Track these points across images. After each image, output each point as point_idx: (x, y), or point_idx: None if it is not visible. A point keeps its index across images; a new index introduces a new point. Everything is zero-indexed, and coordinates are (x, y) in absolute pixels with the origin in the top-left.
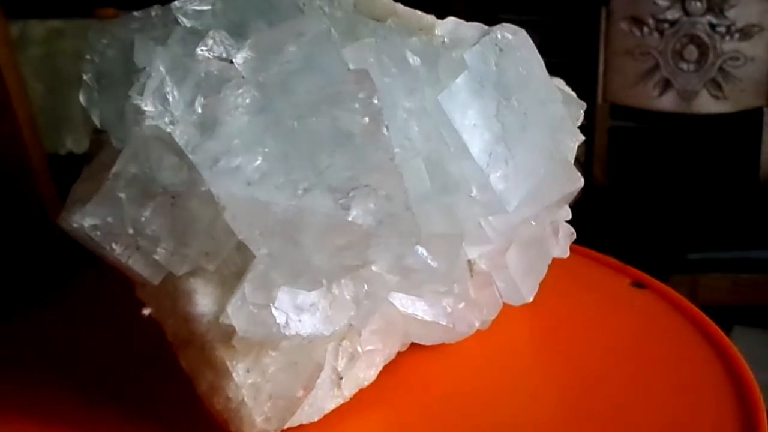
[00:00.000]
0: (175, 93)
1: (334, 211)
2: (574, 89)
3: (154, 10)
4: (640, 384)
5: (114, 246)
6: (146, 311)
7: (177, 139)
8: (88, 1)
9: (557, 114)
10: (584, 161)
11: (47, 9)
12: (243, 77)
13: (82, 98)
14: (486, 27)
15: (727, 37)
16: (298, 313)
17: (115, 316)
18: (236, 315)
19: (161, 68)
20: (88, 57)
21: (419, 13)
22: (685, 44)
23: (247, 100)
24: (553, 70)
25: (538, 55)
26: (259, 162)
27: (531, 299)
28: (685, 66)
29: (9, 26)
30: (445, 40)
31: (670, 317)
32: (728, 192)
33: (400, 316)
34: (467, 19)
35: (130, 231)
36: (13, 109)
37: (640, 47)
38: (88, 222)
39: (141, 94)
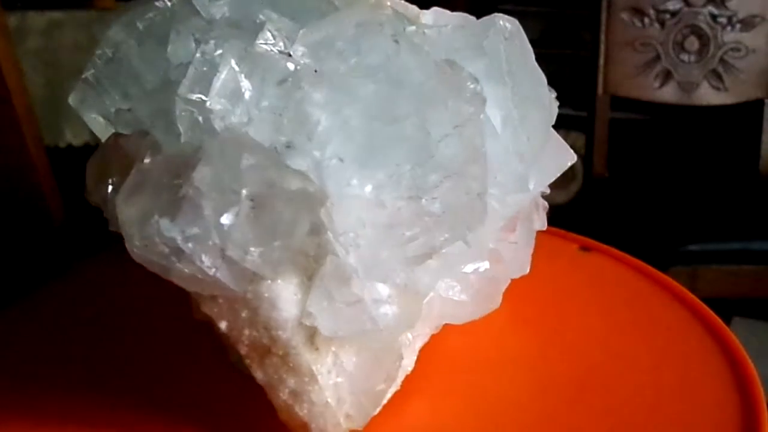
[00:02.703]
0: (250, 89)
1: (419, 202)
2: (574, 80)
3: (165, 1)
4: (639, 374)
5: (203, 258)
6: (222, 326)
7: (259, 138)
8: None
9: (547, 97)
10: (584, 153)
11: (46, 0)
12: (315, 71)
13: (74, 98)
14: (469, 16)
15: (729, 28)
16: (379, 306)
17: (112, 308)
18: (323, 315)
19: (233, 64)
20: (99, 52)
21: (404, 2)
22: (686, 35)
23: (327, 95)
24: (553, 60)
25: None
26: (351, 157)
27: (528, 270)
28: (686, 57)
29: (7, 18)
30: (441, 30)
31: (670, 308)
32: (729, 183)
33: (438, 299)
34: (467, 9)
35: (216, 240)
36: (12, 102)
37: (641, 38)
38: (181, 235)
39: (200, 91)
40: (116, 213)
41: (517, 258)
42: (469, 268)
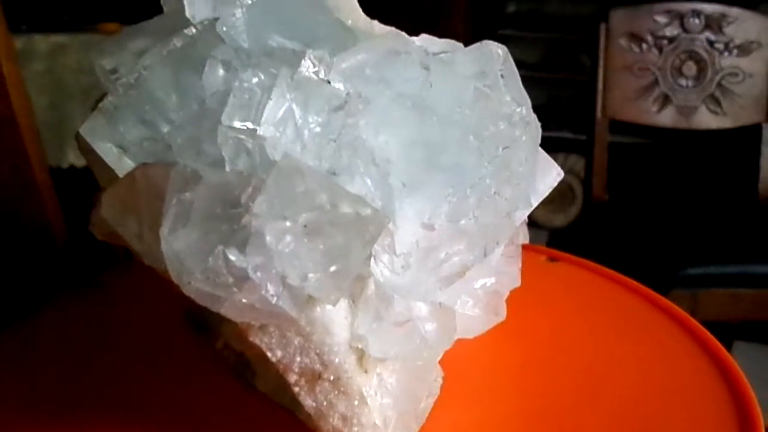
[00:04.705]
0: (301, 116)
1: (458, 223)
2: (573, 104)
3: (190, 29)
4: (638, 398)
5: (269, 287)
6: (275, 355)
7: (312, 164)
8: (92, 15)
9: (534, 117)
10: (584, 176)
11: (51, 24)
12: (360, 96)
13: (86, 128)
14: (456, 43)
15: (726, 54)
16: (425, 323)
17: (116, 330)
18: (373, 336)
19: (286, 92)
20: (124, 80)
21: (392, 29)
22: (684, 60)
23: (377, 122)
24: (553, 85)
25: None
26: (408, 182)
27: (519, 283)
28: (683, 82)
29: (14, 41)
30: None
31: (670, 332)
32: (728, 207)
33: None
34: (467, 34)
35: (279, 268)
36: (18, 123)
37: (639, 63)
38: (251, 264)
39: (244, 119)
40: (157, 248)
41: (511, 271)
42: (478, 283)
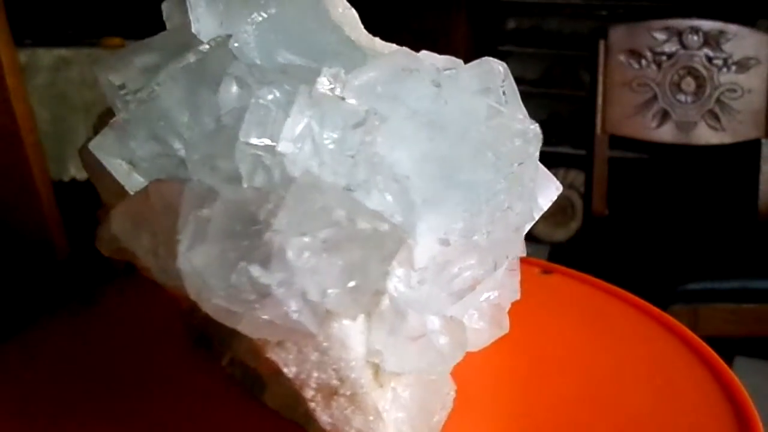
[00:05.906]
0: (319, 132)
1: (472, 238)
2: (573, 119)
3: (203, 45)
4: (639, 414)
5: (291, 303)
6: (291, 371)
7: (331, 180)
8: (95, 30)
9: (533, 132)
10: (584, 191)
11: (55, 38)
12: (376, 113)
13: (96, 143)
14: (456, 59)
15: (724, 69)
16: (438, 337)
17: (118, 343)
18: (389, 351)
19: (305, 108)
20: (137, 96)
21: (396, 46)
22: (683, 76)
23: (393, 138)
24: (552, 100)
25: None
26: (426, 198)
27: (519, 296)
28: (682, 97)
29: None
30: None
31: (671, 347)
32: (728, 222)
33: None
34: (468, 50)
35: (299, 284)
36: (21, 137)
37: (638, 79)
38: (274, 280)
39: (261, 135)
40: (172, 263)
41: (511, 284)
42: (483, 296)
